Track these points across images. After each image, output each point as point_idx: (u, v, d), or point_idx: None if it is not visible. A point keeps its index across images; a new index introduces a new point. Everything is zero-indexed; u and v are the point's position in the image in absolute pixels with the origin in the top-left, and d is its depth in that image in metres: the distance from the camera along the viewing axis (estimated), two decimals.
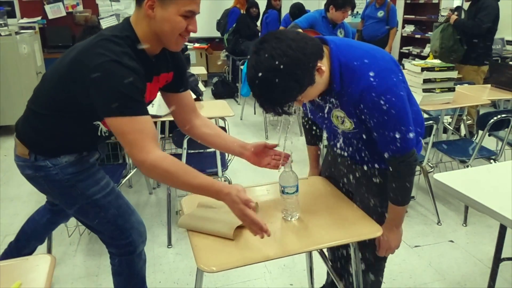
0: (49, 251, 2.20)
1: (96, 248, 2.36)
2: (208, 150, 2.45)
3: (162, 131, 3.19)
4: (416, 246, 2.38)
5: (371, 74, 1.10)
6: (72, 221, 2.48)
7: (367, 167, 1.37)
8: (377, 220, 1.28)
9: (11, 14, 5.76)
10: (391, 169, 1.22)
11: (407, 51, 6.67)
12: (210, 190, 1.16)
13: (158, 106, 2.42)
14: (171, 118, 2.53)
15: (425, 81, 2.56)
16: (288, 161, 1.30)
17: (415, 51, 6.46)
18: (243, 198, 1.12)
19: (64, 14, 6.12)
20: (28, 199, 2.97)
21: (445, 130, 3.40)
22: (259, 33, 5.74)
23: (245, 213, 1.11)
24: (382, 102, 1.09)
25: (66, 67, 1.24)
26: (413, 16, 6.64)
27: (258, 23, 5.84)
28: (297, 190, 1.25)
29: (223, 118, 2.64)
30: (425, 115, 3.32)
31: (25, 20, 5.82)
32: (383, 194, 1.32)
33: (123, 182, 2.41)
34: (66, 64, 1.24)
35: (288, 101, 1.09)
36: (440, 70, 2.53)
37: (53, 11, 6.09)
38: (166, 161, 1.16)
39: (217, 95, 5.82)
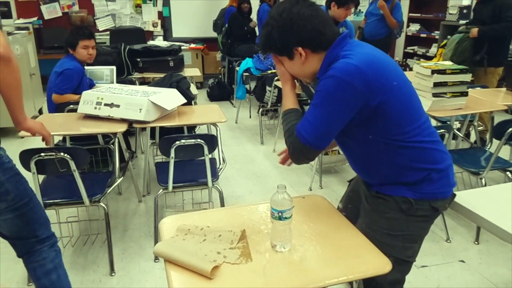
0: None
1: (79, 262, 2.20)
2: (198, 158, 2.27)
3: (152, 137, 3.02)
4: (423, 266, 2.19)
5: (339, 62, 1.11)
6: (55, 232, 2.32)
7: (368, 186, 1.27)
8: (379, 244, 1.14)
9: (8, 15, 5.62)
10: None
11: (411, 51, 6.46)
12: (24, 112, 1.49)
13: (146, 111, 2.26)
14: (160, 124, 2.43)
15: (436, 84, 2.35)
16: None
17: (420, 51, 6.25)
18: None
19: (60, 14, 5.99)
20: None
21: (454, 137, 3.21)
22: (255, 32, 5.54)
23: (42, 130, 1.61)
24: (322, 82, 1.13)
25: None
26: (418, 15, 6.43)
27: (255, 19, 5.65)
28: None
29: (214, 124, 2.46)
30: (434, 122, 3.13)
31: (21, 20, 5.67)
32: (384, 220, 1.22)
33: (109, 191, 2.23)
34: None
35: (269, 47, 1.25)
36: (452, 73, 2.32)
37: (49, 12, 5.96)
38: None
39: (212, 97, 5.66)
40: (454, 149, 2.91)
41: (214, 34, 6.02)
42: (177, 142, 2.03)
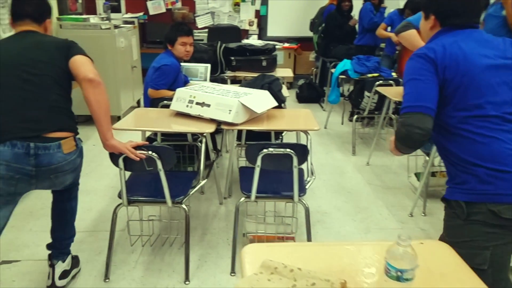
0: (108, 258, 2.04)
1: (156, 262, 2.16)
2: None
3: (239, 138, 2.92)
4: None
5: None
6: (136, 229, 2.35)
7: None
8: None
9: (117, 9, 6.10)
10: None
11: None
12: (110, 131, 1.72)
13: (235, 113, 2.13)
14: (248, 127, 2.29)
15: None
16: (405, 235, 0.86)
17: None
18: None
19: (164, 10, 6.32)
20: (104, 194, 2.92)
21: None
22: (355, 31, 5.15)
23: (125, 149, 1.75)
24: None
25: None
26: None
27: (357, 17, 5.26)
28: None
29: (305, 132, 2.23)
30: None
31: (129, 15, 6.10)
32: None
33: (192, 193, 2.15)
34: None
35: None
36: None
37: (154, 7, 6.31)
38: None
39: (301, 98, 5.48)
40: None
41: (309, 33, 5.79)
42: (265, 150, 1.86)
